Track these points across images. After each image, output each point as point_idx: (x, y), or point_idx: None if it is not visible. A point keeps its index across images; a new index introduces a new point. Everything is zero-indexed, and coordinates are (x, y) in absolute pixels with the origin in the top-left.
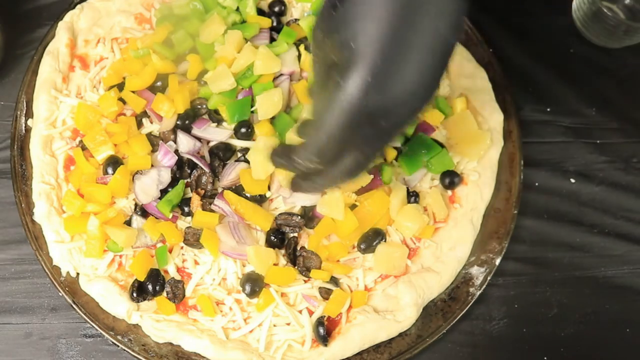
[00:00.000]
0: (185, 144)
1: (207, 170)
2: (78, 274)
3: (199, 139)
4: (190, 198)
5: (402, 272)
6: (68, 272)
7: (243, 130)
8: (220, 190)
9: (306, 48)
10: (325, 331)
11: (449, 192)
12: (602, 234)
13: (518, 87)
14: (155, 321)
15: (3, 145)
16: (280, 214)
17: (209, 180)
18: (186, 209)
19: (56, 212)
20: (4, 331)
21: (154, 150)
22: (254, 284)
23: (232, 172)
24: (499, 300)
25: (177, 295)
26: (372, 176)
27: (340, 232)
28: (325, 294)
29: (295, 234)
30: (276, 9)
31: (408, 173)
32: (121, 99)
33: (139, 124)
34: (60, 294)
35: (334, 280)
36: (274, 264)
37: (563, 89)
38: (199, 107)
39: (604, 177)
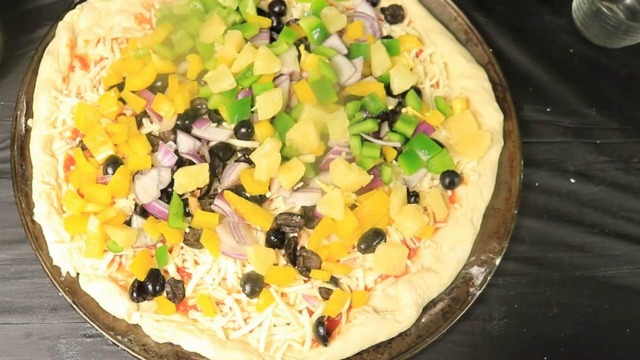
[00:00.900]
0: (185, 144)
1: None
2: (78, 274)
3: (199, 139)
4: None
5: (402, 272)
6: (68, 272)
7: (243, 130)
8: (220, 190)
9: (306, 48)
10: (325, 331)
11: (449, 192)
12: (602, 234)
13: (518, 87)
14: (155, 321)
15: (3, 145)
16: (280, 214)
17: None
18: (186, 209)
19: (56, 212)
20: (4, 331)
21: (154, 150)
22: (254, 284)
23: (232, 172)
24: (499, 300)
25: (177, 295)
26: (372, 176)
27: (340, 232)
28: (325, 294)
29: (295, 234)
30: (276, 9)
31: (408, 173)
32: (121, 99)
33: (139, 124)
34: (60, 294)
35: (334, 280)
36: (274, 264)
37: (563, 89)
38: (199, 107)
39: (604, 177)
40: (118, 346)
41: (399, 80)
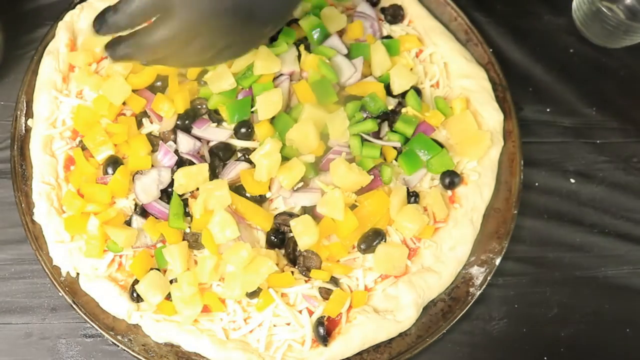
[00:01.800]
0: (185, 144)
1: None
2: (78, 274)
3: (199, 139)
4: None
5: (402, 272)
6: (68, 272)
7: (243, 130)
8: None
9: (306, 48)
10: (325, 331)
11: (449, 192)
12: (602, 234)
13: (518, 87)
14: (156, 321)
15: (3, 145)
16: (280, 213)
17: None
18: (186, 210)
19: (56, 212)
20: (4, 331)
21: (154, 150)
22: None
23: (232, 172)
24: (499, 300)
25: None
26: (372, 176)
27: (340, 232)
28: (325, 294)
29: None
30: None
31: (408, 173)
32: None
33: (139, 124)
34: (60, 294)
35: (334, 280)
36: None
37: (563, 89)
38: (199, 107)
39: (604, 177)
40: (118, 346)
41: (399, 80)
